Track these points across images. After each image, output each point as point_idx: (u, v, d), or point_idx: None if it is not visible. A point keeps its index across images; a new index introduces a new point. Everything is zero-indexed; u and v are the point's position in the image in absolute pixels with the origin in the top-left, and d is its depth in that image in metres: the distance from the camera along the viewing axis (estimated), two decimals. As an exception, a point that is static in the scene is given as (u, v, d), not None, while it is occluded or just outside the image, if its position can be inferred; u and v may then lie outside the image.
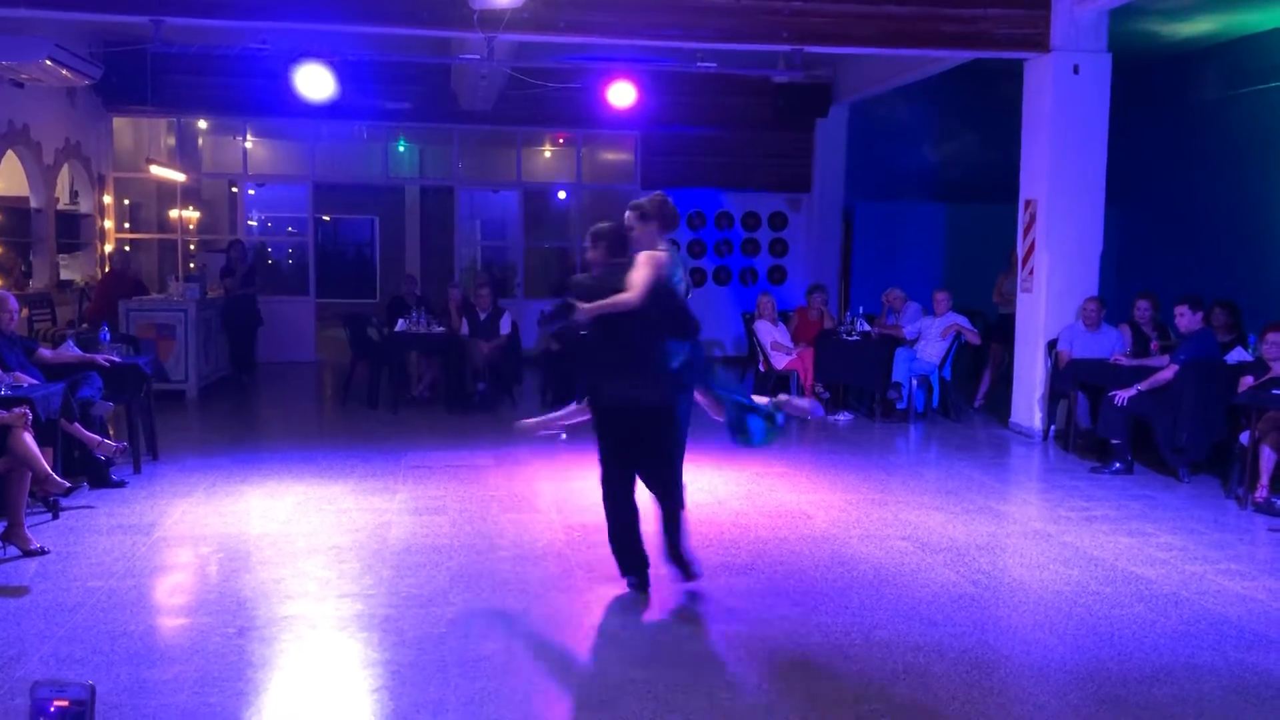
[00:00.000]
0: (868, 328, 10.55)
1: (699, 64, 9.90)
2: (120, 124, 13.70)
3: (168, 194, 14.91)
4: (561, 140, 16.41)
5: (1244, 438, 6.95)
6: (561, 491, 7.06)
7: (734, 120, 14.38)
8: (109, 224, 13.29)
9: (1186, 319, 7.71)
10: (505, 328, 10.63)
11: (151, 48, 9.05)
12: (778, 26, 8.87)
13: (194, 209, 15.70)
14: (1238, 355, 8.02)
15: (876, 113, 14.20)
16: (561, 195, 17.08)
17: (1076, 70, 9.04)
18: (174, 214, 14.90)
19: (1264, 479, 6.74)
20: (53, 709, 1.50)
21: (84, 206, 12.88)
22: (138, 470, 7.28)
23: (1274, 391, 6.62)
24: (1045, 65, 9.13)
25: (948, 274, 13.92)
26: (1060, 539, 6.11)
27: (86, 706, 1.50)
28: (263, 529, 6.01)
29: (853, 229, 14.69)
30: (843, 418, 9.95)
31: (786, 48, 9.14)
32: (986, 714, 3.77)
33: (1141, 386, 7.66)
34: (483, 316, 10.61)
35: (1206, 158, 11.60)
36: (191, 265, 14.62)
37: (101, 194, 13.11)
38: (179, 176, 13.18)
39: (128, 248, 13.39)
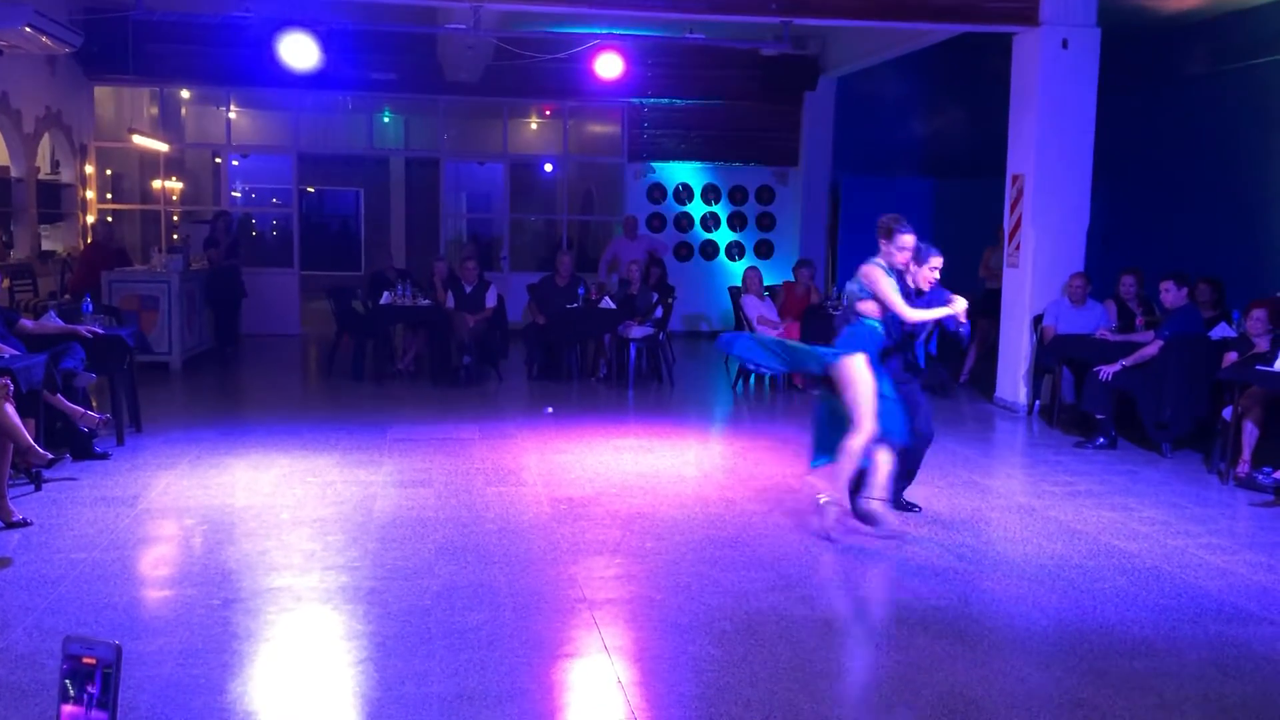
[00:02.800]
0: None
1: (687, 35, 9.83)
2: (102, 93, 13.52)
3: (150, 164, 14.77)
4: (548, 112, 16.32)
5: (1227, 413, 6.98)
6: (547, 465, 7.06)
7: (721, 93, 14.31)
8: (91, 194, 13.16)
9: (1171, 295, 7.73)
10: (491, 301, 10.60)
11: (133, 15, 8.98)
12: (767, -2, 8.82)
13: (177, 180, 15.57)
14: (1221, 331, 8.05)
15: (864, 87, 14.13)
16: (548, 168, 17.01)
17: (1065, 45, 9.01)
18: (157, 184, 14.78)
19: (1246, 454, 6.79)
20: (81, 665, 1.54)
21: (65, 176, 12.74)
22: (121, 442, 7.24)
23: (1257, 367, 6.65)
24: (1034, 39, 9.09)
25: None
26: (1044, 513, 6.15)
27: (113, 666, 1.56)
28: (247, 501, 5.99)
29: (840, 203, 14.66)
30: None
31: (775, 20, 9.08)
32: (969, 686, 3.80)
33: (1126, 362, 7.68)
34: (468, 289, 10.57)
35: (1194, 134, 11.59)
36: (175, 236, 14.51)
37: (83, 164, 12.97)
38: (161, 147, 13.05)
39: (110, 218, 13.27)
